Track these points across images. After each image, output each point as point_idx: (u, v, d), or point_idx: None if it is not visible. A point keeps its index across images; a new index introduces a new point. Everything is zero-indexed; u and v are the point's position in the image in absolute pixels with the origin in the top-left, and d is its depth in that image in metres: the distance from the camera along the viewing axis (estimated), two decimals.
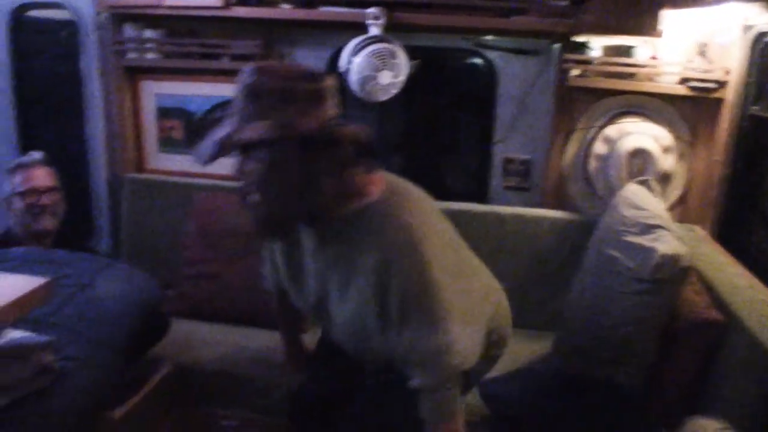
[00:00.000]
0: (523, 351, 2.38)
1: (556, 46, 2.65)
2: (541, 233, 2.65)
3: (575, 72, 2.62)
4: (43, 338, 1.63)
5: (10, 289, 1.45)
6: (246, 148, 1.44)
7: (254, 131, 1.40)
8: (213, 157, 1.46)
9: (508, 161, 2.86)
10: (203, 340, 2.47)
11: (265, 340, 2.45)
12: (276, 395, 2.26)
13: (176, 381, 2.26)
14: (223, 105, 2.88)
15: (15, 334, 1.61)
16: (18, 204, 2.53)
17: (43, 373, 1.61)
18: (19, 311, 1.44)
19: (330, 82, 1.47)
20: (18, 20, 3.07)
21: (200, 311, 2.59)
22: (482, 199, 2.89)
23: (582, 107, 2.67)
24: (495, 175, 2.89)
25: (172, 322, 2.30)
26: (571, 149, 2.71)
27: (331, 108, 1.46)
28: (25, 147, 3.14)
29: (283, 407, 2.10)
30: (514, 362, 2.24)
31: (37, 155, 2.60)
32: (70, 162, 3.05)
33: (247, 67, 1.44)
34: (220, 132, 1.46)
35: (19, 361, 1.55)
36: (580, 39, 2.59)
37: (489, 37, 2.76)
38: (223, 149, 1.45)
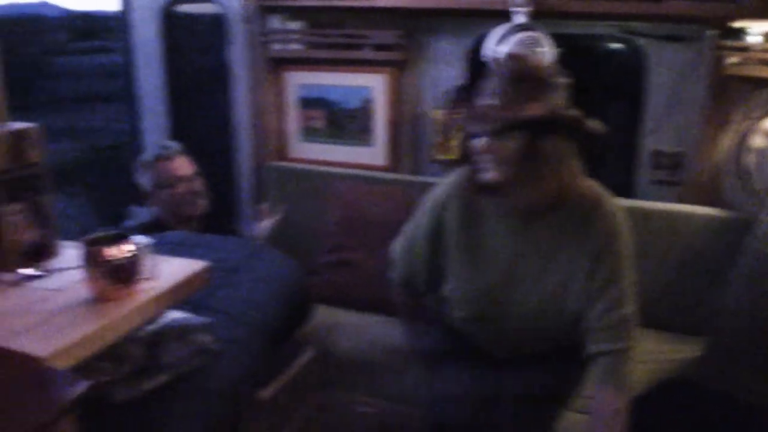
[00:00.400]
0: (671, 356, 2.26)
1: (711, 32, 2.48)
2: (692, 231, 2.49)
3: (732, 60, 2.44)
4: (201, 319, 1.70)
5: (173, 273, 1.52)
6: (505, 129, 1.57)
7: (533, 111, 1.56)
8: (489, 130, 1.59)
9: (657, 154, 2.71)
10: (344, 326, 2.52)
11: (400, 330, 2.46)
12: (412, 385, 2.27)
13: (318, 365, 2.31)
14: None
15: (175, 315, 1.68)
16: (168, 194, 2.65)
17: (201, 353, 1.68)
18: (182, 294, 1.51)
19: (567, 78, 1.66)
20: (168, 15, 3.22)
21: (340, 298, 2.63)
22: (627, 193, 2.76)
23: (739, 97, 2.49)
24: (642, 168, 2.76)
25: (315, 307, 2.35)
26: (726, 142, 2.53)
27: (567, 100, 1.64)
28: (176, 138, 3.30)
29: (419, 398, 2.12)
30: (661, 368, 2.14)
31: (175, 145, 2.72)
32: (217, 151, 3.18)
33: (507, 56, 1.71)
34: (490, 108, 1.60)
35: (179, 341, 1.62)
36: (737, 24, 2.42)
37: (639, 24, 2.62)
38: (503, 123, 1.57)
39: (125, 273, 1.36)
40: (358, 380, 2.38)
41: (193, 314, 1.74)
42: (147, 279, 1.44)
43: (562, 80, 1.65)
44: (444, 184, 1.89)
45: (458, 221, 1.82)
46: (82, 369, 1.47)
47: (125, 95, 3.51)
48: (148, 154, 2.74)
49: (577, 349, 1.73)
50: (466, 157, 1.71)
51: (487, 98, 1.62)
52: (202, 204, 2.68)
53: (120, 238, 1.38)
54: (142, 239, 1.45)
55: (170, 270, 1.52)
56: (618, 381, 1.63)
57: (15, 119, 1.64)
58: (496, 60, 1.64)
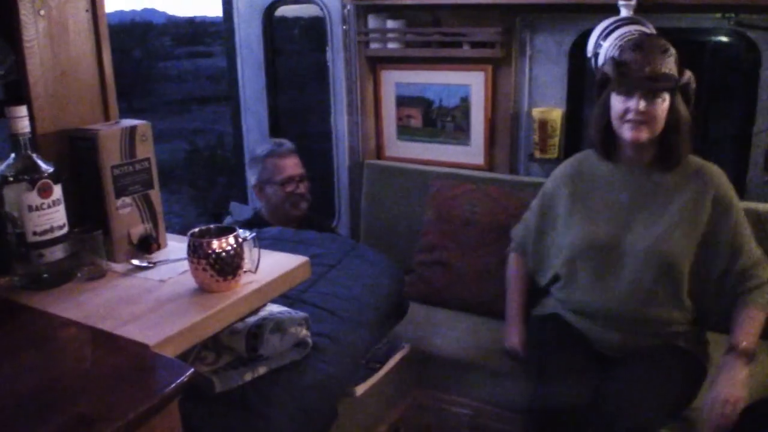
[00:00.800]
0: None
1: None
2: None
3: None
4: (299, 313, 1.72)
5: (274, 266, 1.54)
6: (659, 90, 1.93)
7: (685, 74, 1.98)
8: (659, 87, 1.94)
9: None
10: (438, 325, 2.50)
11: (497, 331, 2.42)
12: (508, 387, 2.24)
13: (413, 363, 2.31)
14: None
15: (273, 308, 1.71)
16: (273, 191, 2.71)
17: (299, 347, 1.71)
18: (282, 287, 1.53)
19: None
20: (269, 18, 3.29)
21: (435, 297, 2.62)
22: (738, 194, 2.62)
23: None
24: (754, 167, 2.61)
25: (409, 305, 2.35)
26: None
27: None
28: (276, 136, 3.38)
29: (516, 399, 2.10)
30: None
31: (288, 144, 2.78)
32: (316, 149, 3.24)
33: (645, 35, 2.14)
34: (645, 72, 1.93)
35: (277, 334, 1.65)
36: None
37: (751, 16, 2.49)
38: (666, 82, 1.94)
39: (229, 265, 1.38)
40: (452, 380, 2.36)
41: (291, 308, 1.76)
42: (249, 272, 1.46)
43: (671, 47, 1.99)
44: (560, 166, 2.27)
45: (574, 187, 2.14)
46: (186, 358, 1.52)
47: (228, 97, 3.63)
48: (261, 149, 2.81)
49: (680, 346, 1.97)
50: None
51: (643, 67, 1.94)
52: (304, 207, 2.73)
53: (225, 232, 1.41)
54: (245, 233, 1.48)
55: (271, 264, 1.55)
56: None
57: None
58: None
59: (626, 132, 1.97)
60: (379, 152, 3.18)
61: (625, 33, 2.33)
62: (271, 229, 2.36)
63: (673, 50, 1.97)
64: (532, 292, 2.33)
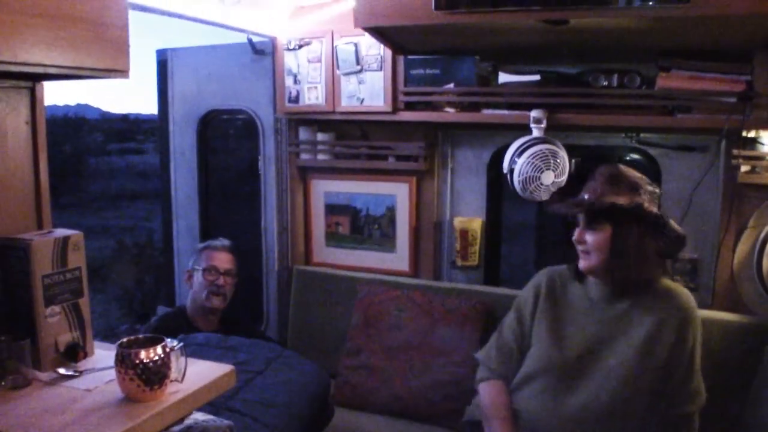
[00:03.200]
0: None
1: (724, 142, 2.57)
2: (712, 336, 2.50)
3: (745, 168, 2.51)
4: (224, 422, 1.74)
5: (200, 375, 1.58)
6: (597, 217, 1.97)
7: (618, 200, 1.93)
8: (566, 212, 2.04)
9: (675, 260, 2.76)
10: (362, 430, 2.53)
11: None
12: None
13: None
14: None
15: (198, 416, 1.73)
16: (197, 278, 2.80)
17: None
18: (208, 396, 1.56)
19: (658, 189, 2.06)
20: (205, 125, 3.41)
21: (361, 402, 2.65)
22: None
23: (754, 204, 2.55)
24: None
25: (334, 410, 2.38)
26: (743, 248, 2.57)
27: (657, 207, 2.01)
28: (206, 238, 3.43)
29: None
30: None
31: (226, 242, 2.89)
32: (245, 252, 3.29)
33: (606, 164, 2.08)
34: (581, 198, 2.01)
35: None
36: (750, 134, 2.51)
37: (651, 135, 2.73)
38: (589, 207, 1.97)
39: (156, 375, 1.42)
40: None
41: (216, 416, 1.78)
42: (175, 381, 1.50)
43: (651, 187, 2.02)
44: (529, 283, 2.23)
45: (547, 303, 2.12)
46: None
47: (158, 195, 3.67)
48: (204, 242, 2.96)
49: None
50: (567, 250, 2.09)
51: (585, 194, 2.01)
52: (217, 302, 2.78)
53: (153, 342, 1.45)
54: (172, 342, 1.52)
55: (197, 372, 1.58)
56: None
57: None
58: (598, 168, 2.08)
59: (579, 260, 2.06)
60: (307, 258, 3.26)
61: (537, 151, 2.53)
62: (198, 335, 2.39)
63: (641, 185, 1.99)
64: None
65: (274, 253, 3.23)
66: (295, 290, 3.13)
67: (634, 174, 2.01)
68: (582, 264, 2.03)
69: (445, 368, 2.58)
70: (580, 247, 2.02)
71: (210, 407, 1.87)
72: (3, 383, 1.52)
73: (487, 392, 2.15)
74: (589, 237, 1.98)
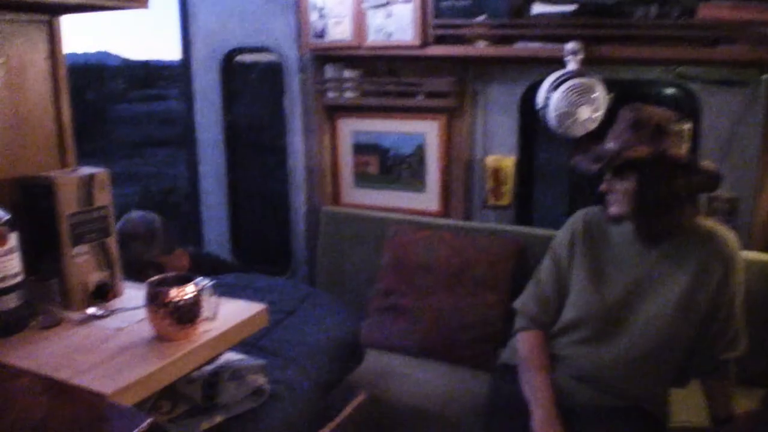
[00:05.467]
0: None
1: (766, 76, 2.46)
2: (750, 278, 2.42)
3: None
4: (257, 361, 1.72)
5: (232, 314, 1.55)
6: (622, 168, 1.87)
7: (639, 152, 1.83)
8: (589, 169, 1.91)
9: (712, 199, 2.67)
10: (395, 372, 2.50)
11: (453, 378, 2.46)
12: None
13: (369, 411, 2.30)
14: None
15: (231, 356, 1.71)
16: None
17: (256, 395, 1.70)
18: (240, 335, 1.53)
19: (687, 125, 1.92)
20: (228, 64, 3.33)
21: (392, 343, 2.63)
22: None
23: None
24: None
25: (365, 351, 2.36)
26: None
27: (686, 145, 1.90)
28: (233, 183, 3.39)
29: None
30: None
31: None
32: (272, 196, 3.25)
33: (629, 105, 1.93)
34: (604, 149, 1.91)
35: (234, 382, 1.65)
36: None
37: (692, 68, 2.61)
38: (609, 162, 1.87)
39: (187, 314, 1.39)
40: (410, 428, 2.36)
41: (248, 355, 1.76)
42: (207, 320, 1.46)
43: (679, 127, 1.89)
44: (564, 227, 2.13)
45: (585, 247, 2.04)
46: (142, 407, 1.50)
47: (183, 141, 3.62)
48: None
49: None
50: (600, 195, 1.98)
51: (609, 142, 1.92)
52: None
53: (183, 280, 1.42)
54: (203, 281, 1.48)
55: (229, 311, 1.55)
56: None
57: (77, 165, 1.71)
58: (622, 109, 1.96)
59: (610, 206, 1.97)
60: (335, 199, 3.21)
61: (573, 85, 2.43)
62: (227, 276, 2.36)
63: (666, 127, 1.86)
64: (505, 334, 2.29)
65: (302, 195, 3.18)
66: (324, 232, 3.09)
67: (660, 114, 1.88)
68: (612, 210, 1.95)
69: (477, 310, 2.54)
70: (608, 196, 1.95)
71: (242, 346, 1.85)
72: (33, 323, 1.50)
73: (526, 342, 2.08)
74: (617, 186, 1.91)
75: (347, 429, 2.20)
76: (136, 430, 1.08)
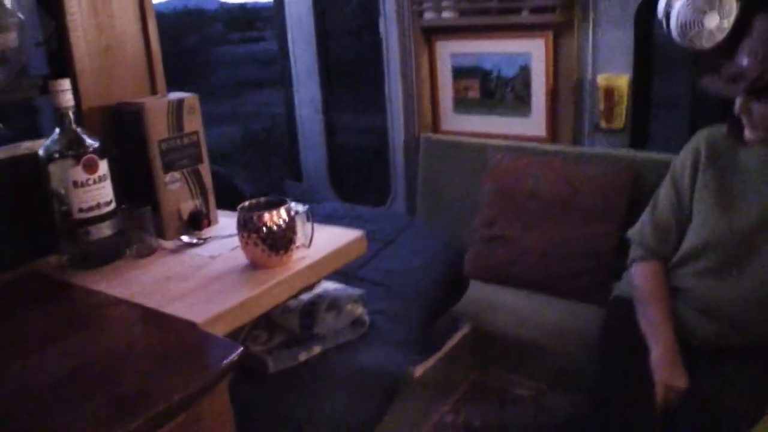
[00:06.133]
0: None
1: None
2: None
3: None
4: (355, 291, 1.65)
5: (329, 241, 1.47)
6: (764, 89, 1.59)
7: None
8: (723, 93, 1.67)
9: None
10: (500, 304, 2.39)
11: (561, 311, 2.33)
12: (574, 368, 2.13)
13: (474, 342, 2.22)
14: None
15: (329, 286, 1.65)
16: None
17: (355, 326, 1.64)
18: (337, 263, 1.45)
19: None
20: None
21: (496, 274, 2.50)
22: None
23: None
24: None
25: (469, 283, 2.26)
26: None
27: None
28: (330, 116, 3.32)
29: (582, 381, 1.98)
30: None
31: None
32: (371, 126, 3.16)
33: (765, 14, 1.65)
34: (740, 67, 1.64)
35: (333, 312, 1.58)
36: None
37: None
38: (752, 84, 1.60)
39: (280, 240, 1.32)
40: (515, 361, 2.26)
41: (347, 285, 1.69)
42: (302, 246, 1.39)
43: None
44: (685, 148, 1.90)
45: (710, 169, 1.82)
46: (237, 337, 1.46)
47: (281, 79, 3.59)
48: None
49: None
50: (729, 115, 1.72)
51: (744, 58, 1.64)
52: None
53: (276, 205, 1.34)
54: (297, 206, 1.40)
55: (325, 238, 1.47)
56: None
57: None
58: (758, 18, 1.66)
59: (744, 128, 1.71)
60: (435, 126, 3.07)
61: None
62: (323, 206, 2.30)
63: None
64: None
65: (400, 123, 3.07)
66: (423, 161, 2.97)
67: None
68: (748, 135, 1.69)
69: (588, 241, 2.37)
70: (744, 118, 1.68)
71: (340, 276, 1.79)
72: (128, 252, 1.47)
73: (643, 273, 1.90)
74: (754, 108, 1.64)
75: (451, 361, 2.12)
76: (228, 359, 1.03)
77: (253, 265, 1.34)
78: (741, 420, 1.61)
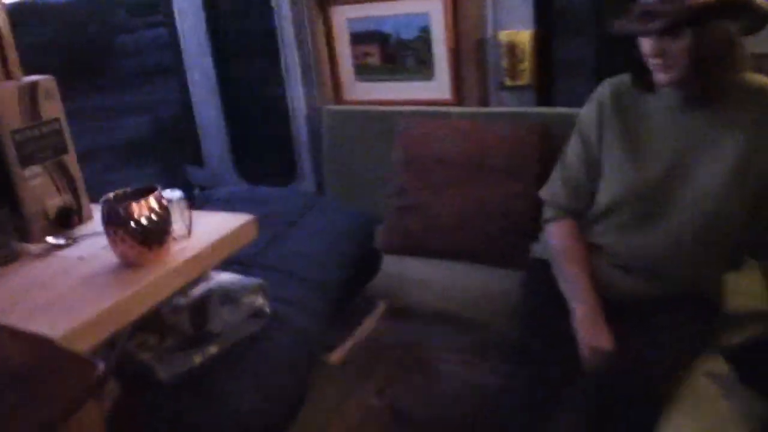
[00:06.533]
0: None
1: None
2: None
3: None
4: (252, 280, 1.51)
5: (213, 228, 1.33)
6: (678, 23, 1.49)
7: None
8: (659, 27, 1.52)
9: (760, 57, 2.36)
10: (416, 277, 2.28)
11: (481, 279, 2.24)
12: (499, 337, 2.03)
13: (392, 321, 2.12)
14: None
15: (223, 277, 1.50)
16: None
17: (256, 318, 1.50)
18: (224, 252, 1.31)
19: None
20: None
21: (410, 245, 2.39)
22: None
23: None
24: None
25: (382, 257, 2.15)
26: None
27: None
28: (225, 90, 3.14)
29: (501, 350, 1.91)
30: None
31: None
32: (269, 101, 3.00)
33: None
34: (653, 3, 1.53)
35: (229, 306, 1.44)
36: None
37: None
38: (676, 17, 1.49)
39: (153, 232, 1.17)
40: (437, 335, 2.16)
41: (244, 274, 1.55)
42: (182, 238, 1.25)
43: None
44: (590, 101, 1.83)
45: (616, 120, 1.75)
46: (117, 343, 1.31)
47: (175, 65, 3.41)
48: None
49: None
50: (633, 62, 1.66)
51: None
52: None
53: (145, 193, 1.19)
54: (173, 193, 1.26)
55: (210, 225, 1.33)
56: None
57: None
58: None
59: (653, 73, 1.63)
60: (337, 96, 2.93)
61: None
62: (220, 190, 2.14)
63: None
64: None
65: (300, 97, 2.91)
66: (327, 134, 2.83)
67: None
68: (661, 78, 1.60)
69: (502, 202, 2.29)
70: (655, 61, 1.59)
71: (240, 266, 1.65)
72: None
73: (557, 233, 1.84)
74: (669, 47, 1.55)
75: (369, 342, 2.02)
76: (86, 381, 0.88)
77: (125, 264, 1.19)
78: (669, 372, 1.58)
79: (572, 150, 1.85)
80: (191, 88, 3.24)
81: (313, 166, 2.97)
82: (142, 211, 1.15)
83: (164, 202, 1.19)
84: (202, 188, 3.10)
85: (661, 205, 1.68)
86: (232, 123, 3.17)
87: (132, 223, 1.15)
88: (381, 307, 2.09)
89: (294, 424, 1.51)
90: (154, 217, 1.16)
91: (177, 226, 1.23)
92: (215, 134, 3.21)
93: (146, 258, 1.17)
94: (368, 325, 2.01)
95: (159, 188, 1.20)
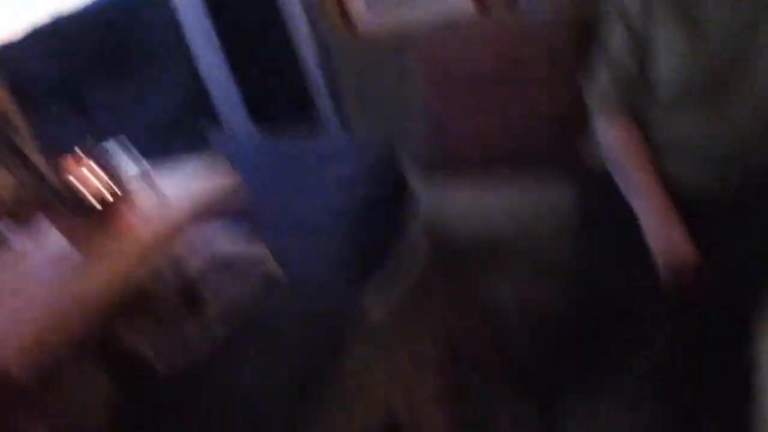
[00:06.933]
0: None
1: None
2: None
3: None
4: (255, 248, 1.32)
5: (184, 199, 1.12)
6: None
7: None
8: None
9: None
10: (457, 210, 2.08)
11: (533, 196, 1.99)
12: (545, 265, 1.87)
13: (436, 258, 1.92)
14: None
15: (220, 246, 1.31)
16: None
17: (264, 288, 1.30)
18: (199, 220, 1.11)
19: None
20: None
21: (450, 163, 2.20)
22: None
23: None
24: None
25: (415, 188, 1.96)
26: None
27: None
28: (229, 46, 2.94)
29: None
30: None
31: None
32: (274, 44, 2.78)
33: None
34: None
35: (230, 278, 1.25)
36: None
37: None
38: None
39: (106, 212, 0.96)
40: (488, 262, 1.96)
41: (249, 242, 1.35)
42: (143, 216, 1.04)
43: None
44: None
45: None
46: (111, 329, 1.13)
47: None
48: None
49: None
50: None
51: None
52: None
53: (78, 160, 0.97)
54: (134, 163, 1.04)
55: (179, 195, 1.12)
56: None
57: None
58: None
59: None
60: (349, 24, 2.68)
61: None
62: (229, 146, 1.96)
63: None
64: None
65: (304, 28, 2.68)
66: (342, 66, 2.64)
67: None
68: None
69: (541, 104, 2.05)
70: None
71: (249, 226, 1.45)
72: None
73: (612, 134, 1.62)
74: None
75: (414, 289, 1.82)
76: None
77: (78, 251, 0.98)
78: None
79: (614, 37, 1.60)
80: (194, 51, 3.05)
81: (335, 105, 2.77)
82: (78, 184, 0.94)
83: (115, 170, 0.98)
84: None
85: (729, 87, 1.46)
86: (241, 74, 2.98)
87: (79, 203, 0.94)
88: (422, 248, 1.88)
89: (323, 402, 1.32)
90: (105, 192, 0.95)
91: (144, 199, 1.02)
92: (225, 90, 3.04)
93: (98, 245, 0.96)
94: (411, 270, 1.81)
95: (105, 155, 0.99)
